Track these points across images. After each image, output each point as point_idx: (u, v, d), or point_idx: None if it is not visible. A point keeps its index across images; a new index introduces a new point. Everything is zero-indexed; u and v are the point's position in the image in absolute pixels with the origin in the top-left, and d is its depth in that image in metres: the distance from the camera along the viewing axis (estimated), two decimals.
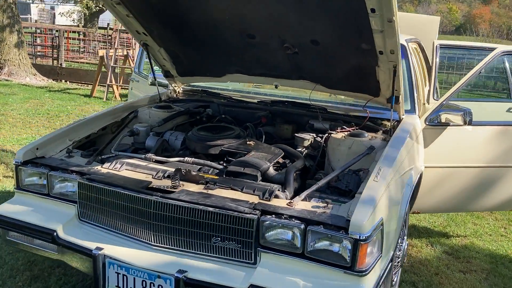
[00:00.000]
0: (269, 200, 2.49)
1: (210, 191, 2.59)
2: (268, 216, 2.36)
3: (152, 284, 2.43)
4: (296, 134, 3.46)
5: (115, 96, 10.94)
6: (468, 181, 4.11)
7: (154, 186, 2.62)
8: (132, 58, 10.96)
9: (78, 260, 2.67)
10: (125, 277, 2.49)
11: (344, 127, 3.52)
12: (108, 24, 23.04)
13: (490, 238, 4.73)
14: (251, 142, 3.24)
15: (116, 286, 2.52)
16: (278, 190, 2.59)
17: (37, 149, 2.98)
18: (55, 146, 3.10)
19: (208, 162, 2.96)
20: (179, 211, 2.46)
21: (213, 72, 3.98)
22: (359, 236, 2.18)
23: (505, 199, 4.25)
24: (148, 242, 2.55)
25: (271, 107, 3.87)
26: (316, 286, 2.23)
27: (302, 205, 2.47)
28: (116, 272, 2.50)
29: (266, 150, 3.10)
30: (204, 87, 4.37)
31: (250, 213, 2.36)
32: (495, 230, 4.95)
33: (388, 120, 3.50)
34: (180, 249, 2.50)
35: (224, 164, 2.96)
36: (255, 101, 4.08)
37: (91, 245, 2.58)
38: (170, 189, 2.59)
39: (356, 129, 3.43)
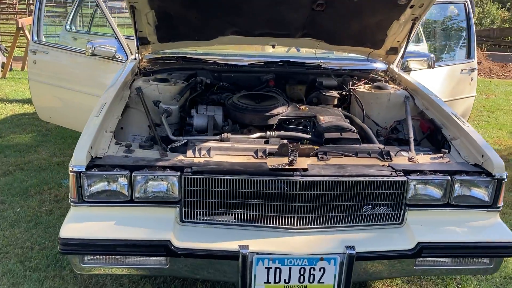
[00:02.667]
0: (391, 160, 2.52)
1: (329, 162, 2.46)
2: (413, 175, 2.39)
3: (312, 269, 2.26)
4: (324, 93, 3.44)
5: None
6: None
7: (274, 167, 2.37)
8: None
9: (207, 267, 2.28)
10: (278, 269, 2.24)
11: (355, 82, 3.65)
12: None
13: None
14: (304, 107, 3.12)
15: (265, 282, 2.26)
16: (396, 149, 2.62)
17: (91, 148, 2.34)
18: (98, 143, 2.47)
19: (294, 133, 2.77)
20: (325, 187, 2.30)
21: (204, 35, 3.59)
22: (502, 176, 2.41)
23: None
24: (290, 227, 2.33)
25: (275, 69, 3.72)
26: (470, 228, 2.40)
27: (421, 159, 2.57)
28: (266, 268, 2.23)
29: (331, 113, 3.04)
30: (171, 54, 3.89)
31: (398, 176, 2.36)
32: None
33: (378, 71, 3.80)
34: (329, 226, 2.36)
35: (309, 133, 2.81)
36: (246, 63, 3.86)
37: (228, 245, 2.23)
38: (290, 167, 2.37)
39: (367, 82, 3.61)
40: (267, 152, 2.49)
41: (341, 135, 2.69)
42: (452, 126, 2.84)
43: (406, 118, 3.11)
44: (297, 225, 2.33)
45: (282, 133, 2.75)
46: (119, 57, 4.30)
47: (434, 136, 2.99)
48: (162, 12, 3.30)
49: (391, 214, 2.40)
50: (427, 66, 4.30)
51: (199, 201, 2.30)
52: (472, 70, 5.03)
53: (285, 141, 2.64)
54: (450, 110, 3.01)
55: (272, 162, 2.41)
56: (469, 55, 5.15)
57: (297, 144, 2.50)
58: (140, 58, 3.69)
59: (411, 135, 2.80)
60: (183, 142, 2.55)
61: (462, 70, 4.99)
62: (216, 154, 2.48)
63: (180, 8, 3.28)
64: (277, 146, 2.54)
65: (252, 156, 2.49)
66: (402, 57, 3.69)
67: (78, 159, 2.25)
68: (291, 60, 3.89)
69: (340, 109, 3.36)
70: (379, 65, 4.04)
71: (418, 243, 2.30)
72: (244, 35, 3.59)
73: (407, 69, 4.34)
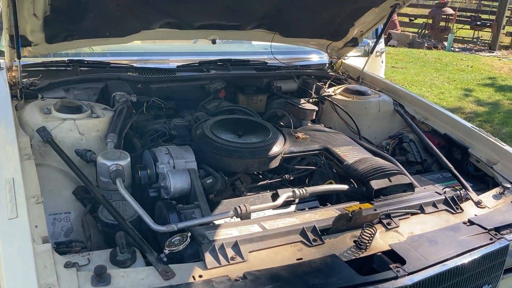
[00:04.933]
0: (462, 211, 1.90)
1: (401, 230, 1.73)
2: (507, 233, 1.81)
3: None
4: (300, 106, 2.61)
5: None
6: None
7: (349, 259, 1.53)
8: None
9: None
10: None
11: (319, 84, 2.93)
12: None
13: None
14: (301, 134, 2.26)
15: None
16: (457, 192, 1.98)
17: None
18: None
19: (331, 187, 1.92)
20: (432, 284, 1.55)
21: (121, 29, 2.40)
22: None
23: None
24: None
25: (222, 74, 2.72)
26: None
27: (486, 200, 2.00)
28: None
29: (340, 140, 2.24)
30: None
31: (496, 239, 1.74)
32: None
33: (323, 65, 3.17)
34: None
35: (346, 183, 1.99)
36: (173, 66, 2.76)
37: None
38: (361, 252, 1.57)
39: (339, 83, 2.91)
40: (318, 231, 1.62)
41: (390, 181, 1.93)
42: (482, 145, 2.33)
43: (413, 133, 2.52)
44: None
45: (316, 188, 1.87)
46: None
47: (448, 155, 2.45)
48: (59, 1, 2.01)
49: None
50: (363, 53, 3.77)
51: None
52: (382, 52, 4.71)
53: (331, 206, 1.80)
54: (460, 119, 2.51)
55: (334, 248, 1.56)
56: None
57: (360, 210, 1.68)
58: (9, 65, 2.30)
59: (449, 164, 2.20)
60: (188, 238, 1.49)
61: (376, 52, 4.63)
62: (249, 252, 1.50)
63: None
64: (323, 215, 1.69)
65: (302, 242, 1.59)
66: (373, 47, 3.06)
67: None
68: (232, 58, 2.91)
69: (324, 126, 2.59)
70: (314, 57, 3.39)
71: None
72: (179, 28, 2.49)
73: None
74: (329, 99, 2.70)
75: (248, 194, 1.98)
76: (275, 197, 1.93)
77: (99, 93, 2.36)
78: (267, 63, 3.02)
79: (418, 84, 8.34)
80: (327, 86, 2.89)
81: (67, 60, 2.52)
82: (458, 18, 14.75)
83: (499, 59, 11.93)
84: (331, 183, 2.05)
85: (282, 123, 2.61)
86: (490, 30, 14.03)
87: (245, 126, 2.15)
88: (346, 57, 3.66)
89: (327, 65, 3.25)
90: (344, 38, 2.99)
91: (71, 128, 1.94)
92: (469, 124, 2.44)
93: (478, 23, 14.51)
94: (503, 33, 14.37)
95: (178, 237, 1.48)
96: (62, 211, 1.80)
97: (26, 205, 1.43)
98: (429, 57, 11.25)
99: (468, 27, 14.77)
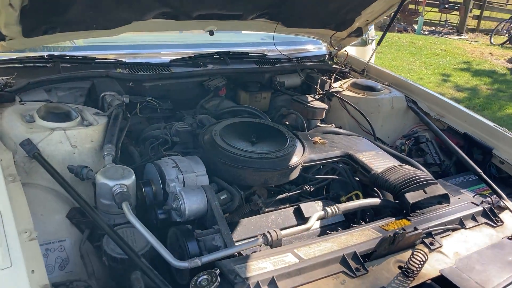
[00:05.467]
0: (502, 223, 1.75)
1: (445, 251, 1.56)
2: None
3: None
4: (309, 104, 2.39)
5: None
6: None
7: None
8: None
9: None
10: None
11: (324, 78, 2.72)
12: None
13: None
14: (319, 138, 2.04)
15: None
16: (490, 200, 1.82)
17: None
18: None
19: (364, 201, 1.71)
20: None
21: (111, 20, 2.10)
22: None
23: None
24: None
25: (219, 69, 2.46)
26: None
27: None
28: None
29: (361, 144, 2.04)
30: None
31: None
32: None
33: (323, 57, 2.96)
34: None
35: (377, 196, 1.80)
36: (167, 60, 2.48)
37: None
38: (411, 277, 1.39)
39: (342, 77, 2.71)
40: (360, 258, 1.42)
41: (425, 192, 1.75)
42: (506, 145, 2.19)
43: (429, 132, 2.35)
44: None
45: (348, 205, 1.66)
46: None
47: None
48: None
49: None
50: (360, 43, 3.57)
51: None
52: (373, 39, 4.52)
53: (366, 225, 1.60)
54: (481, 117, 2.36)
55: (379, 277, 1.37)
56: None
57: (403, 232, 1.49)
58: None
59: (478, 169, 2.05)
60: (218, 277, 1.25)
61: (368, 40, 4.44)
62: None
63: None
64: (360, 237, 1.49)
65: (344, 272, 1.38)
66: (379, 42, 2.86)
67: None
68: (230, 50, 2.65)
69: (334, 126, 2.39)
70: (310, 47, 3.16)
71: None
72: (174, 19, 2.21)
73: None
74: (338, 95, 2.49)
75: (267, 209, 1.76)
76: (298, 213, 1.72)
77: (85, 94, 2.06)
78: (267, 55, 2.78)
79: (396, 70, 8.25)
80: (332, 80, 2.68)
81: (46, 56, 2.20)
82: (427, 1, 14.78)
83: (469, 43, 12.03)
84: (357, 194, 1.86)
85: (287, 122, 2.39)
86: (458, 13, 14.13)
87: (258, 130, 1.92)
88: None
89: (326, 56, 3.04)
90: (348, 28, 2.77)
91: (61, 140, 1.66)
92: (491, 123, 2.28)
93: (446, 6, 14.58)
94: (470, 16, 14.51)
95: (206, 276, 1.25)
96: (55, 239, 1.52)
97: (20, 246, 1.16)
98: (403, 40, 11.20)
99: (437, 10, 14.83)
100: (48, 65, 2.19)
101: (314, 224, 1.55)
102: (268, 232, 1.45)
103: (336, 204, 1.63)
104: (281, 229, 1.50)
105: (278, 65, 2.66)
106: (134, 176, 1.56)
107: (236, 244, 1.48)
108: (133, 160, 1.89)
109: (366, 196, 1.90)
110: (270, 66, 2.62)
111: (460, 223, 1.68)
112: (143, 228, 1.37)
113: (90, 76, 2.14)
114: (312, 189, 1.89)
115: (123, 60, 2.35)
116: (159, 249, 1.32)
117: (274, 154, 1.75)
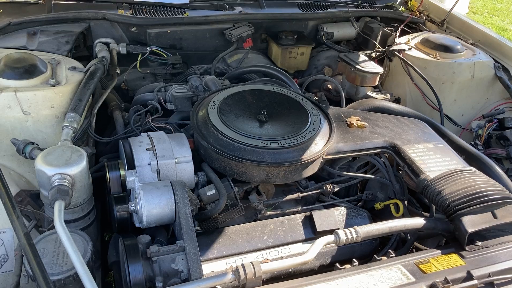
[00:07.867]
0: None
1: None
2: None
3: None
4: (359, 66, 1.83)
5: None
6: None
7: None
8: None
9: None
10: None
11: (385, 28, 2.12)
12: None
13: None
14: (353, 121, 1.53)
15: None
16: None
17: None
18: None
19: (400, 224, 1.22)
20: None
21: None
22: None
23: None
24: None
25: (247, 14, 1.96)
26: None
27: None
28: None
29: (413, 129, 1.51)
30: None
31: None
32: None
33: None
34: None
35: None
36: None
37: None
38: None
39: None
40: None
41: (495, 217, 1.21)
42: None
43: None
44: None
45: (372, 230, 1.18)
46: None
47: None
48: None
49: None
50: None
51: None
52: None
53: (394, 261, 1.11)
54: None
55: None
56: None
57: (446, 286, 0.99)
58: None
59: None
60: None
61: None
62: None
63: None
64: (383, 279, 1.03)
65: None
66: None
67: None
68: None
69: (390, 96, 1.84)
70: None
71: None
72: None
73: None
74: (401, 55, 1.91)
75: (269, 213, 1.33)
76: (309, 223, 1.28)
77: (74, 40, 1.69)
78: None
79: (501, 15, 7.04)
80: (398, 33, 2.07)
81: None
82: None
83: None
84: (396, 204, 1.35)
85: (319, 93, 1.89)
86: None
87: (273, 104, 1.44)
88: None
89: (398, 1, 2.39)
90: None
91: (10, 104, 1.31)
92: None
93: None
94: None
95: None
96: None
97: None
98: None
99: None
100: (39, 1, 1.83)
101: (315, 254, 1.10)
102: (242, 265, 1.03)
103: (356, 228, 1.15)
104: (271, 258, 1.07)
105: (328, 10, 2.09)
106: (84, 163, 1.18)
107: (205, 269, 1.08)
108: (116, 131, 1.53)
109: (412, 204, 1.40)
110: (315, 12, 2.06)
111: None
112: (70, 245, 1.00)
113: (82, 18, 1.75)
114: (336, 189, 1.41)
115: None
116: (82, 278, 0.96)
117: (282, 142, 1.28)
